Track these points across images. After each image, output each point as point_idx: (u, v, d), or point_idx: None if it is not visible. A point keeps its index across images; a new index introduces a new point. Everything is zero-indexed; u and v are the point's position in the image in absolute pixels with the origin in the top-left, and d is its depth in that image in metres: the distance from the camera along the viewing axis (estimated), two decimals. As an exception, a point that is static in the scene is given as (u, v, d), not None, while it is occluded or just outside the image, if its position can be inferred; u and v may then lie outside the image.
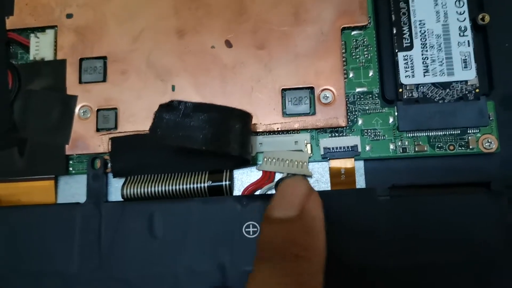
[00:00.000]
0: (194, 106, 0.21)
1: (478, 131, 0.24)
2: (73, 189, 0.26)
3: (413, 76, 0.24)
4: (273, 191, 0.24)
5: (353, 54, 0.25)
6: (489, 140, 0.24)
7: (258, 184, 0.25)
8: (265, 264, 0.17)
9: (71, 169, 0.26)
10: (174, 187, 0.24)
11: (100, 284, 0.24)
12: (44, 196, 0.26)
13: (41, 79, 0.26)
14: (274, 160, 0.24)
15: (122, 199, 0.25)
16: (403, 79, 0.24)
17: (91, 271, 0.24)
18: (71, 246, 0.24)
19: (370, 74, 0.25)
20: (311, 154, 0.25)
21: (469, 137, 0.24)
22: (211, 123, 0.21)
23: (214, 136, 0.21)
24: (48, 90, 0.26)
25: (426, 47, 0.24)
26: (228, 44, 0.26)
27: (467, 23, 0.25)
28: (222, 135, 0.21)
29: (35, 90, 0.26)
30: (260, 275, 0.17)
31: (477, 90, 0.24)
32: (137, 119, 0.25)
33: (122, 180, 0.25)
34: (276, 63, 0.25)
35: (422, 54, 0.24)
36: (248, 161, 0.23)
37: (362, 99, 0.25)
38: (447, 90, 0.24)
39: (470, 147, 0.24)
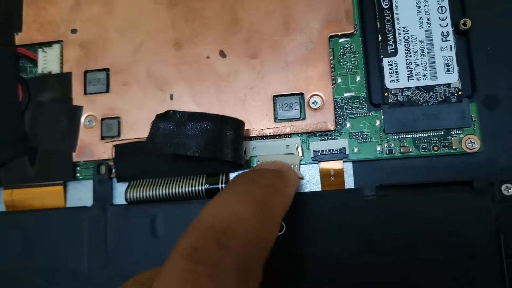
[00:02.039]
0: (188, 115, 0.22)
1: (461, 132, 0.25)
2: (81, 194, 0.28)
3: (397, 80, 0.26)
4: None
5: (341, 60, 0.27)
6: (472, 140, 0.25)
7: (252, 186, 0.26)
8: (232, 186, 0.19)
9: (78, 175, 0.28)
10: (174, 190, 0.26)
11: (107, 281, 0.26)
12: (54, 201, 0.28)
13: (49, 91, 0.28)
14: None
15: (126, 202, 0.26)
16: (388, 84, 0.26)
17: (99, 269, 0.26)
18: (80, 246, 0.26)
19: (357, 79, 0.26)
20: (302, 157, 0.26)
21: (453, 138, 0.25)
22: (204, 131, 0.22)
23: (207, 144, 0.22)
24: (55, 101, 0.28)
25: (410, 53, 0.26)
26: (222, 54, 0.27)
27: (449, 28, 0.26)
28: (215, 142, 0.22)
29: (44, 101, 0.28)
30: (224, 193, 0.18)
31: (459, 93, 0.25)
32: (138, 127, 0.27)
33: (125, 185, 0.27)
34: (267, 71, 0.26)
35: (406, 60, 0.26)
36: (241, 165, 0.24)
37: (350, 104, 0.26)
38: (431, 93, 0.25)
39: (454, 147, 0.25)
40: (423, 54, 0.25)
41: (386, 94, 0.26)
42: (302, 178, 0.26)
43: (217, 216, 0.17)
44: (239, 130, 0.24)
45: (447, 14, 0.26)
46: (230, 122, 0.23)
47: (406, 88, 0.26)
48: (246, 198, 0.18)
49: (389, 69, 0.26)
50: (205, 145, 0.22)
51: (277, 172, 0.21)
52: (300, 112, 0.26)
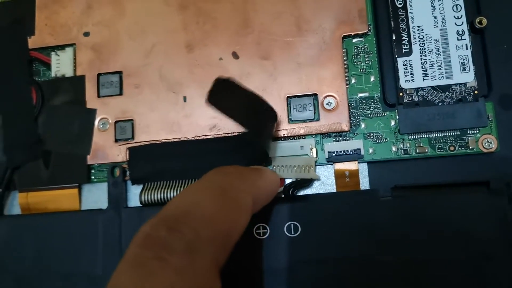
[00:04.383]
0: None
1: (477, 131, 0.25)
2: (95, 196, 0.28)
3: (412, 80, 0.25)
4: (283, 195, 0.26)
5: (355, 61, 0.26)
6: (489, 140, 0.25)
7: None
8: (200, 179, 0.19)
9: (93, 177, 0.28)
10: (188, 191, 0.26)
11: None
12: (69, 203, 0.28)
13: (63, 94, 0.28)
14: (282, 167, 0.26)
15: (140, 205, 0.26)
16: (403, 84, 0.25)
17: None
18: (95, 249, 0.26)
19: (372, 79, 0.26)
20: (317, 158, 0.26)
21: (469, 138, 0.25)
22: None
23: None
24: (69, 104, 0.28)
25: (425, 52, 0.25)
26: (235, 55, 0.27)
27: (465, 27, 0.25)
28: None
29: (57, 105, 0.28)
30: (190, 185, 0.19)
31: (475, 92, 0.25)
32: (152, 129, 0.27)
33: (140, 187, 0.27)
34: (280, 72, 0.26)
35: (421, 59, 0.25)
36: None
37: (364, 104, 0.26)
38: (446, 92, 0.25)
39: (470, 147, 0.25)
40: (438, 53, 0.25)
41: (401, 94, 0.25)
42: (318, 180, 0.26)
43: (175, 205, 0.17)
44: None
45: (462, 12, 0.25)
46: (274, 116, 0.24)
47: (421, 87, 0.25)
48: (206, 185, 0.19)
49: (404, 68, 0.25)
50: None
51: (250, 167, 0.22)
52: (314, 113, 0.26)
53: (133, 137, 0.27)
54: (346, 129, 0.25)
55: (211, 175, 0.20)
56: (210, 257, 0.16)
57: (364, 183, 0.26)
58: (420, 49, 0.25)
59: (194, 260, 0.15)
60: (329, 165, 0.26)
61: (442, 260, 0.23)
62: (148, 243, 0.16)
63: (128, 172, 0.27)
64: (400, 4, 0.26)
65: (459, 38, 0.25)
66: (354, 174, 0.25)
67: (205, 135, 0.26)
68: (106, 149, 0.27)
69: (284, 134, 0.26)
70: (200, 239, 0.16)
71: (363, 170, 0.26)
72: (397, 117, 0.25)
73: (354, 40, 0.27)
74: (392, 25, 0.26)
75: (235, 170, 0.20)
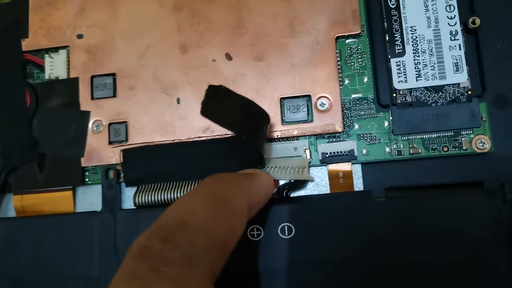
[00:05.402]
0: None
1: (471, 132, 0.25)
2: (90, 198, 0.28)
3: (406, 81, 0.25)
4: (277, 197, 0.26)
5: (348, 61, 0.26)
6: (483, 141, 0.25)
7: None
8: (195, 187, 0.20)
9: (87, 180, 0.28)
10: (182, 194, 0.26)
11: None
12: (63, 206, 0.28)
13: (56, 97, 0.28)
14: (276, 168, 0.26)
15: (134, 207, 0.26)
16: (396, 84, 0.25)
17: (110, 274, 0.26)
18: (91, 251, 0.26)
19: (365, 80, 0.26)
20: (311, 159, 0.26)
21: (463, 138, 0.25)
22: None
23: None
24: (63, 107, 0.28)
25: (418, 52, 0.25)
26: (229, 57, 0.27)
27: (458, 27, 0.25)
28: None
29: (51, 107, 0.28)
30: (185, 194, 0.19)
31: (469, 92, 0.25)
32: (146, 131, 0.27)
33: (134, 189, 0.27)
34: (274, 74, 0.26)
35: (414, 60, 0.25)
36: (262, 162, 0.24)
37: (357, 105, 0.26)
38: (440, 93, 0.25)
39: (464, 148, 0.25)
40: (431, 54, 0.25)
41: (394, 94, 0.25)
42: (312, 181, 0.26)
43: (170, 215, 0.17)
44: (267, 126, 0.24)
45: (455, 12, 0.25)
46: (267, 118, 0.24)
47: (415, 88, 0.25)
48: (201, 193, 0.19)
49: (397, 69, 0.25)
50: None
51: (244, 172, 0.22)
52: (308, 114, 0.26)
53: (127, 139, 0.27)
54: (340, 130, 0.25)
55: (206, 183, 0.20)
56: (206, 266, 0.16)
57: (358, 184, 0.26)
58: (413, 49, 0.25)
59: (190, 270, 0.15)
60: (323, 166, 0.26)
61: (436, 261, 0.23)
62: (143, 254, 0.16)
63: (122, 174, 0.27)
64: (393, 4, 0.26)
65: (452, 38, 0.25)
66: (348, 175, 0.25)
67: (199, 137, 0.26)
68: (100, 151, 0.27)
69: (277, 136, 0.26)
70: (196, 249, 0.16)
71: (356, 171, 0.26)
72: (391, 118, 0.25)
73: (347, 41, 0.27)
74: (385, 25, 0.26)
75: (230, 177, 0.20)
